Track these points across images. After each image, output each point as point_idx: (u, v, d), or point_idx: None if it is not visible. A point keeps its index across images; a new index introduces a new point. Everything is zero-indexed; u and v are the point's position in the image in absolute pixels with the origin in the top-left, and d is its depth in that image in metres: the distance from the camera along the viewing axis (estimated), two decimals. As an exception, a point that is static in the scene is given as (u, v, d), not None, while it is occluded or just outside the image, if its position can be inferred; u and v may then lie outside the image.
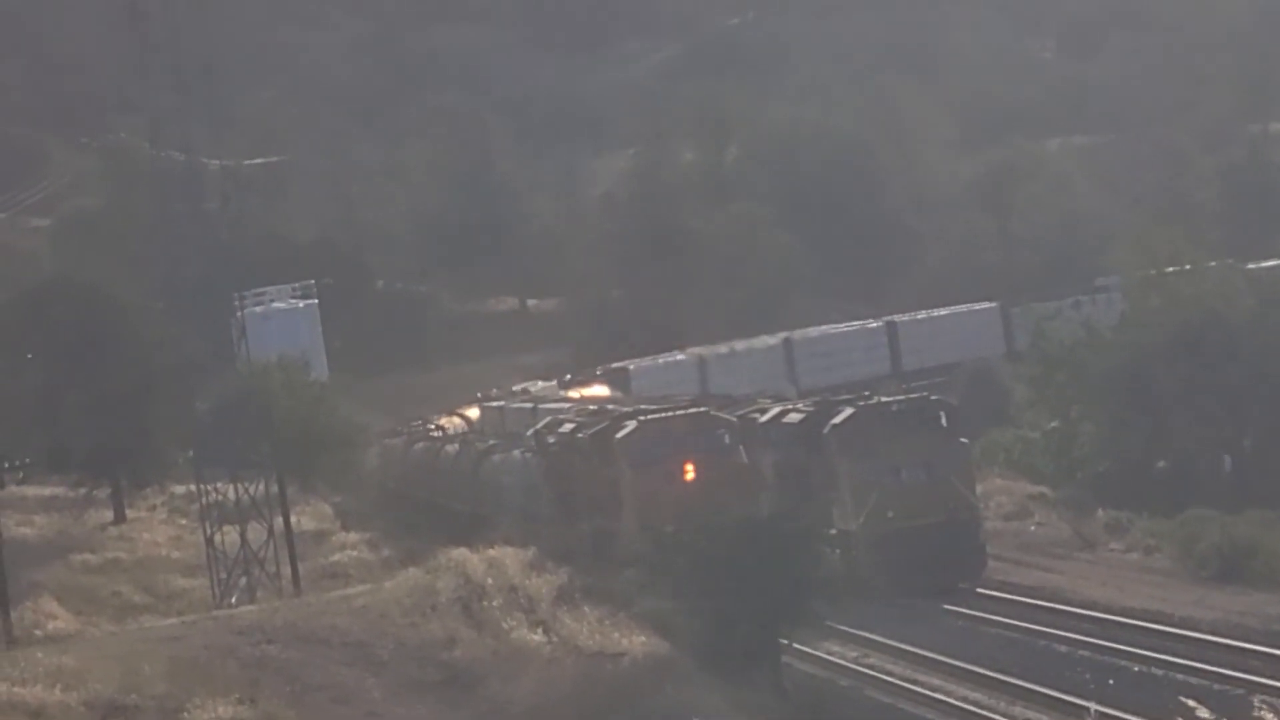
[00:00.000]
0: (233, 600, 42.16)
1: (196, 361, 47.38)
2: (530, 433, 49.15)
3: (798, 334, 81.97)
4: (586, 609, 35.36)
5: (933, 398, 44.72)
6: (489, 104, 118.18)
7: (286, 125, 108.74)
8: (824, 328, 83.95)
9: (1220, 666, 31.64)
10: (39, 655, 31.99)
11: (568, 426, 45.81)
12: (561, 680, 32.04)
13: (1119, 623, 35.82)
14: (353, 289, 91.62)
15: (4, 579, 38.19)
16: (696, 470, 41.18)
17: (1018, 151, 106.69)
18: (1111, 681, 31.93)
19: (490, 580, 36.52)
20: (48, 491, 55.55)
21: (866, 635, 36.95)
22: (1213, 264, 57.10)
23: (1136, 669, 32.78)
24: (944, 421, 42.20)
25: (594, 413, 48.03)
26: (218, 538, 43.74)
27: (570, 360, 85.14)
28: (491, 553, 38.38)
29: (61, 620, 38.91)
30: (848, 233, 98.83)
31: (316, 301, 78.86)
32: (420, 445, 62.20)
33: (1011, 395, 64.08)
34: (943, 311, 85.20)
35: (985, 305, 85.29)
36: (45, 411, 50.24)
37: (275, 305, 75.32)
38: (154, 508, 54.53)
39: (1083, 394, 52.38)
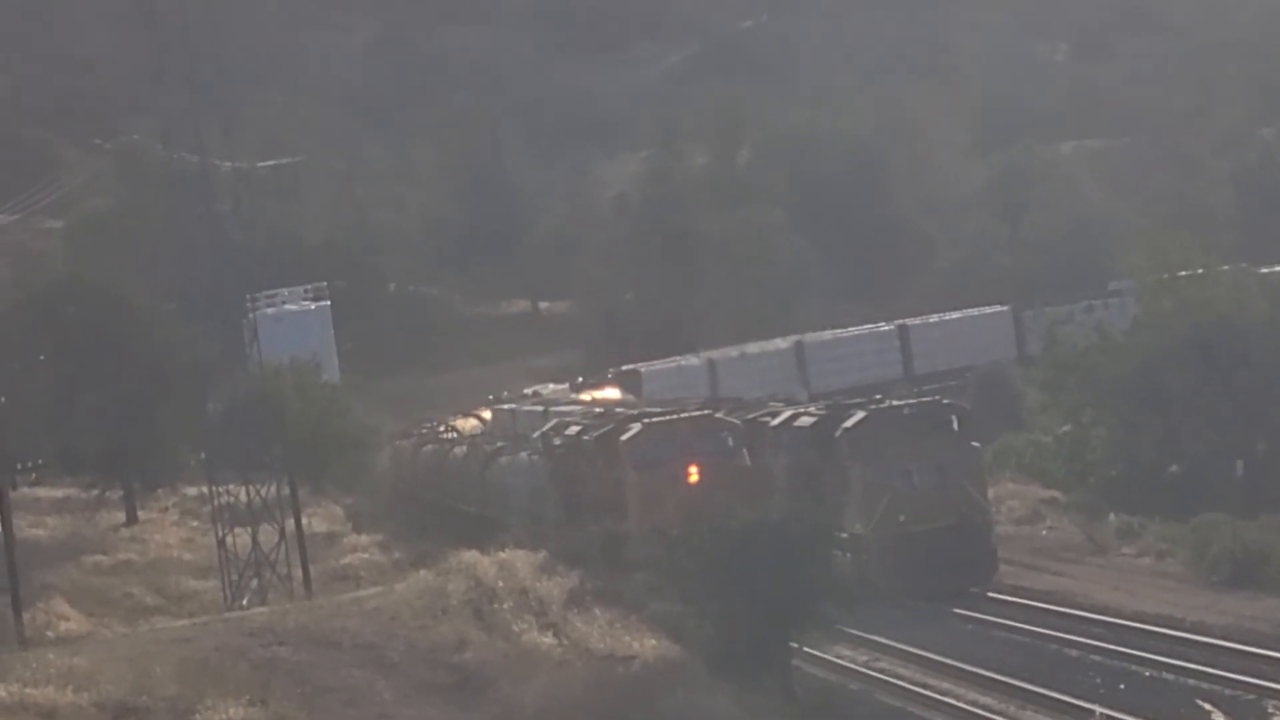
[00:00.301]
0: (244, 602, 42.20)
1: (208, 363, 47.43)
2: (536, 435, 49.32)
3: (809, 337, 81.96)
4: (597, 612, 35.38)
5: (944, 401, 44.67)
6: (501, 106, 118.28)
7: (299, 127, 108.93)
8: (835, 331, 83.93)
9: (1232, 671, 31.56)
10: (51, 656, 32.05)
11: (573, 429, 46.12)
12: (572, 683, 32.05)
13: (1130, 627, 35.76)
14: (364, 291, 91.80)
15: (16, 580, 38.26)
16: (700, 472, 41.67)
17: (1029, 155, 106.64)
18: (1122, 686, 31.88)
19: (501, 583, 36.56)
20: (60, 493, 55.68)
21: (877, 639, 36.92)
22: (1225, 268, 56.96)
23: (1148, 674, 32.71)
24: (955, 425, 42.17)
25: (600, 415, 48.30)
26: (229, 539, 43.80)
27: (581, 363, 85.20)
28: (502, 555, 38.43)
29: (73, 621, 38.99)
30: (859, 236, 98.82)
31: (328, 303, 79.04)
32: (429, 447, 62.30)
33: (1023, 399, 64.02)
34: (954, 315, 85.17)
35: (997, 309, 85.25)
36: (57, 413, 50.35)
37: (287, 307, 75.48)
38: (166, 509, 54.61)
39: (1095, 398, 52.28)
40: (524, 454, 49.12)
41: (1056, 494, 51.74)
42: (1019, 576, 42.08)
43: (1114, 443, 51.42)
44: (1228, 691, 30.77)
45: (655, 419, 43.60)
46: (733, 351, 79.85)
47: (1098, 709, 29.57)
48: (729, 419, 43.96)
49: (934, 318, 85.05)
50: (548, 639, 34.21)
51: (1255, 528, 41.15)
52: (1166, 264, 54.72)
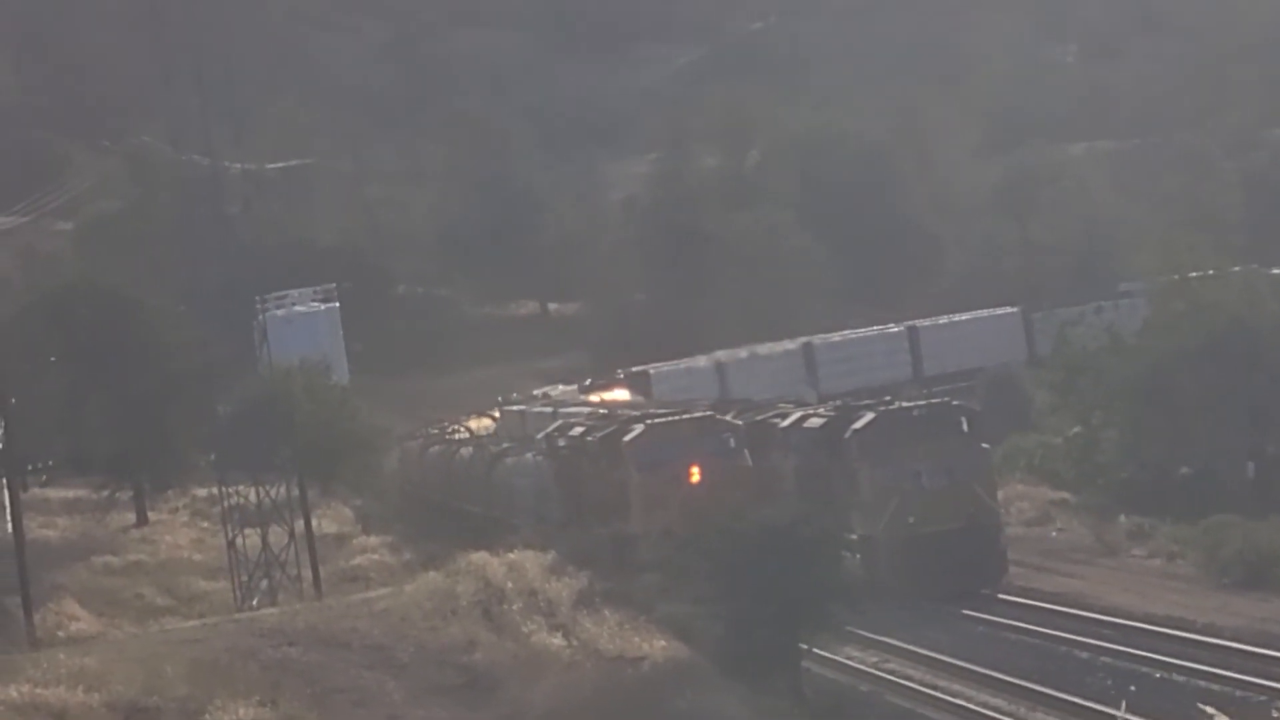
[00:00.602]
0: (254, 603, 42.27)
1: (218, 364, 47.58)
2: (541, 436, 49.51)
3: (818, 338, 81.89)
4: (606, 613, 35.39)
5: (954, 403, 44.63)
6: (510, 108, 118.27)
7: (307, 129, 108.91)
8: (845, 332, 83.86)
9: (1242, 673, 31.50)
10: (61, 657, 32.11)
11: (578, 430, 46.36)
12: (581, 684, 32.06)
13: (1141, 629, 35.70)
14: (374, 293, 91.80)
15: (27, 581, 38.33)
16: (702, 472, 41.95)
17: (1040, 156, 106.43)
18: (1133, 688, 31.81)
19: (510, 584, 36.59)
20: (70, 494, 55.77)
21: (886, 640, 36.88)
22: (1236, 269, 56.88)
23: (1158, 675, 32.66)
24: (965, 427, 42.15)
25: (604, 416, 48.59)
26: (239, 540, 43.89)
27: (590, 364, 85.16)
28: (511, 556, 38.46)
29: (84, 622, 39.08)
30: (869, 237, 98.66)
31: (338, 305, 79.04)
32: (435, 448, 62.36)
33: (1033, 401, 63.92)
34: (964, 316, 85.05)
35: (1007, 310, 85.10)
36: (68, 414, 50.44)
37: (296, 309, 75.48)
38: (176, 510, 54.72)
39: (1105, 400, 52.21)
40: (529, 455, 49.23)
41: (1066, 495, 51.67)
42: (1029, 578, 42.03)
43: (1124, 444, 51.34)
44: (1238, 693, 30.72)
45: (658, 420, 43.91)
46: (742, 353, 79.82)
47: (1123, 704, 29.56)
48: (730, 420, 44.30)
49: (943, 319, 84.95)
50: (557, 640, 34.22)
51: (1266, 529, 41.06)
52: (1177, 265, 54.63)
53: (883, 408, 43.08)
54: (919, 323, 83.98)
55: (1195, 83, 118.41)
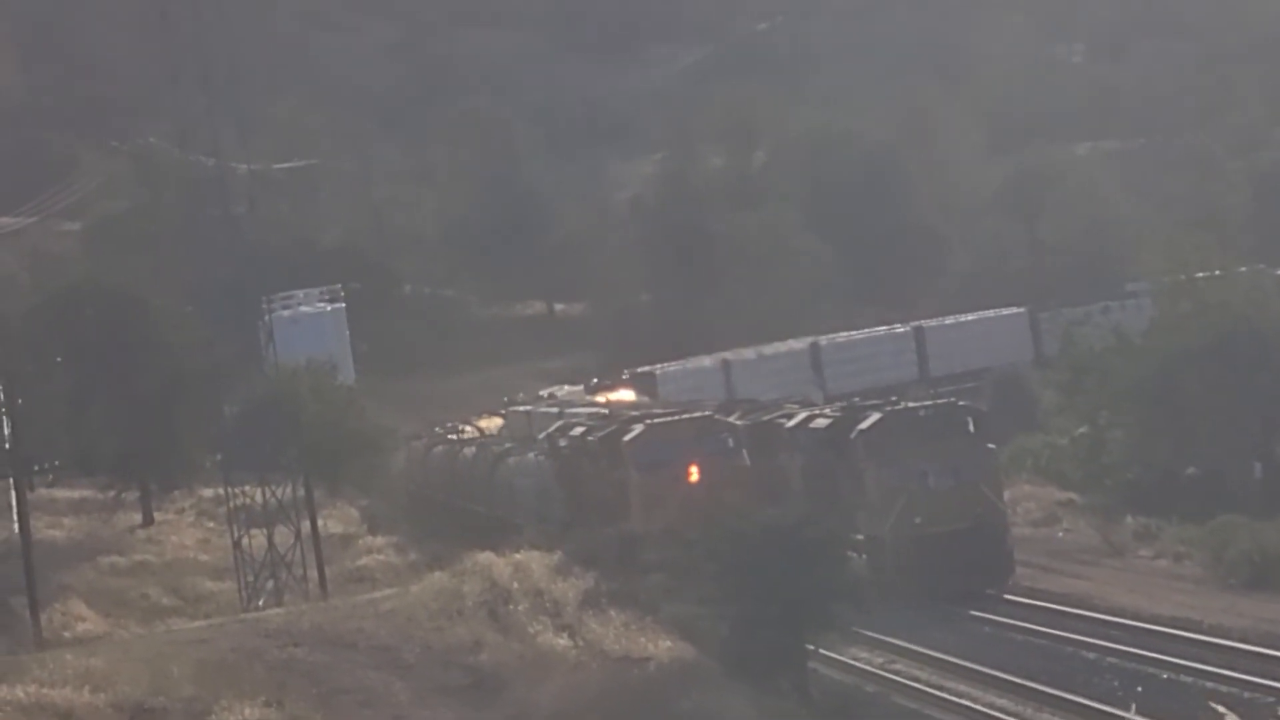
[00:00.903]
0: (260, 603, 42.29)
1: (224, 365, 47.58)
2: (543, 436, 49.64)
3: (825, 339, 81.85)
4: (612, 613, 35.38)
5: (960, 403, 44.60)
6: (516, 108, 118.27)
7: (314, 129, 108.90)
8: (851, 333, 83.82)
9: (1249, 674, 31.47)
10: (68, 657, 32.13)
11: (579, 430, 46.49)
12: (587, 685, 32.06)
13: (1147, 630, 35.67)
14: (380, 293, 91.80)
15: (33, 581, 38.38)
16: (701, 472, 42.15)
17: (1046, 156, 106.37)
18: (1140, 689, 31.80)
19: (516, 584, 36.60)
20: (77, 494, 55.84)
21: (893, 640, 36.87)
22: (1243, 269, 56.82)
23: (1165, 676, 32.63)
24: (971, 427, 42.11)
25: (605, 417, 48.75)
26: (245, 541, 43.91)
27: (596, 364, 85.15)
28: (517, 557, 38.47)
29: (90, 622, 39.12)
30: (875, 237, 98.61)
31: (344, 305, 79.06)
32: (439, 449, 62.42)
33: (1039, 401, 63.88)
34: (970, 317, 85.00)
35: (1013, 310, 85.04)
36: (74, 414, 50.47)
37: (303, 309, 75.52)
38: (182, 511, 54.77)
39: (1111, 400, 52.16)
40: (531, 455, 49.33)
41: (1073, 496, 51.62)
42: (1035, 579, 41.99)
43: (1131, 445, 51.29)
44: (1245, 694, 30.68)
45: (657, 420, 44.13)
46: (748, 353, 79.78)
47: (1133, 706, 29.52)
48: (729, 420, 44.52)
49: (950, 319, 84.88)
50: (563, 640, 34.22)
51: (1273, 530, 41.00)
52: (1183, 265, 54.55)
53: (889, 408, 43.06)
54: (925, 323, 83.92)
55: (1201, 82, 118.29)
